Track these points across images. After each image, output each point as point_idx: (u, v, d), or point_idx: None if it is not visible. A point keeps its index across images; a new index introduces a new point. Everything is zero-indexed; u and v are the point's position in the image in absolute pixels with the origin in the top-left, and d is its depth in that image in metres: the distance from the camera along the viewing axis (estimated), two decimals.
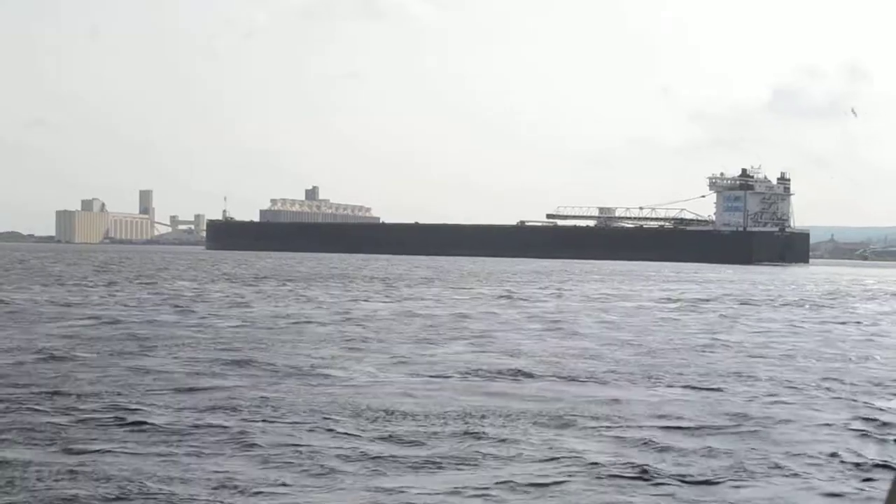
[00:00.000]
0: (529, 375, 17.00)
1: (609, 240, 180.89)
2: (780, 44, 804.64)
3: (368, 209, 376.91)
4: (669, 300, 45.74)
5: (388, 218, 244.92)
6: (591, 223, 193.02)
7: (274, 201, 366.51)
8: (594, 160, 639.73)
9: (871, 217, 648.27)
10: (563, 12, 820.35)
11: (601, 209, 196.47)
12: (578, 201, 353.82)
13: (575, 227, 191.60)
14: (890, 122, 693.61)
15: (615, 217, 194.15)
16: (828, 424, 12.75)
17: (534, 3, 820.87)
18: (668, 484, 9.53)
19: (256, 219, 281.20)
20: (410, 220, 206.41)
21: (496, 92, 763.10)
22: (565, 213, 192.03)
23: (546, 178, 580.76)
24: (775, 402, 14.58)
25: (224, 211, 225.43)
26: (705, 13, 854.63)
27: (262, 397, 14.06)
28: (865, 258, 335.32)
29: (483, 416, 12.82)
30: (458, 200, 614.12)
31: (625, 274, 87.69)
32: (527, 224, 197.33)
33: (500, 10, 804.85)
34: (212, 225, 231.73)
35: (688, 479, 9.73)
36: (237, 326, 25.40)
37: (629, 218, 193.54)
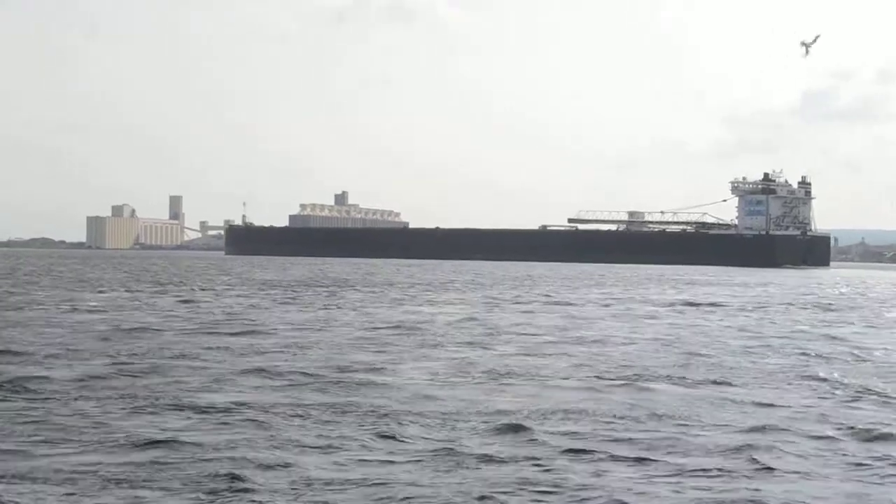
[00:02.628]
0: None
1: (630, 244, 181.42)
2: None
3: (397, 214, 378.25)
4: None
5: (416, 223, 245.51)
6: (613, 227, 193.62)
7: (303, 206, 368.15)
8: (624, 164, 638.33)
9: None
10: (594, 15, 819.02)
11: (630, 213, 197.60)
12: (607, 205, 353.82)
13: (597, 231, 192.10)
14: None
15: (642, 221, 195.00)
16: None
17: (564, 6, 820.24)
18: None
19: (286, 224, 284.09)
20: (439, 225, 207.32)
21: (525, 96, 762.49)
22: (587, 218, 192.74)
23: (575, 182, 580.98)
24: None
25: (244, 216, 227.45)
26: (737, 17, 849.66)
27: None
28: None
29: None
30: (486, 205, 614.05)
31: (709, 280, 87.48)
32: (548, 228, 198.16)
33: (529, 13, 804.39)
34: (231, 230, 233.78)
35: None
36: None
37: (651, 222, 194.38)
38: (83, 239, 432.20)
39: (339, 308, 37.81)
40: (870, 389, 17.18)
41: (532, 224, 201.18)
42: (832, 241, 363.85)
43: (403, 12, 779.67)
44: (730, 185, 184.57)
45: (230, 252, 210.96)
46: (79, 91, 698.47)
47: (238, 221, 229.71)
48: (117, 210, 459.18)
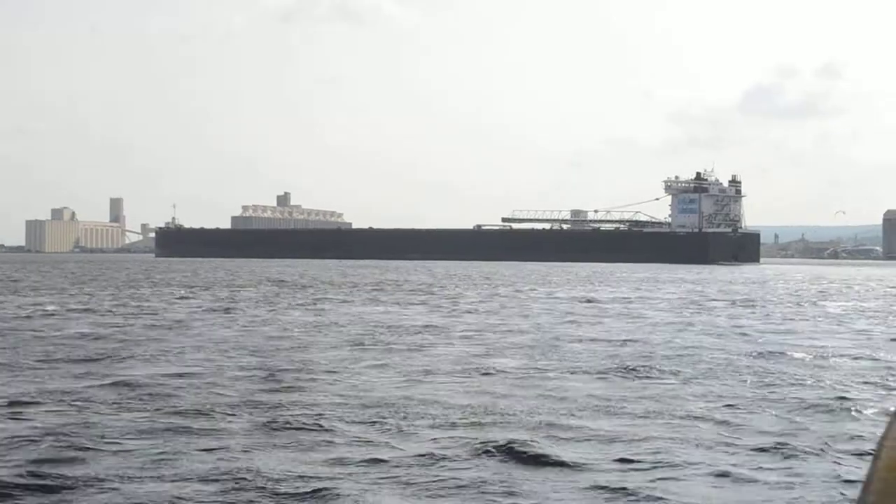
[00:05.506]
0: None
1: (564, 243, 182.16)
2: (756, 44, 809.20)
3: (340, 214, 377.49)
4: None
5: (360, 223, 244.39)
6: (548, 226, 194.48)
7: (245, 207, 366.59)
8: (572, 162, 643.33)
9: (842, 216, 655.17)
10: (543, 15, 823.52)
11: (573, 212, 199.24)
12: (553, 204, 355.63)
13: (531, 230, 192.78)
14: (862, 120, 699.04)
15: (584, 220, 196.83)
16: None
17: (513, 6, 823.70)
18: None
19: (229, 225, 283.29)
20: (380, 226, 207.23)
21: (474, 95, 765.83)
22: (521, 217, 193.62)
23: (524, 181, 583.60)
24: None
25: (174, 218, 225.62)
26: (684, 15, 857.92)
27: None
28: (837, 257, 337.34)
29: None
30: (433, 204, 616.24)
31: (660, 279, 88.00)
32: (483, 228, 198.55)
33: (477, 13, 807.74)
34: (160, 232, 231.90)
35: None
36: None
37: (588, 221, 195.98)
38: (22, 242, 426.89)
39: None
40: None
41: (490, 223, 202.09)
42: (773, 238, 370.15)
43: (349, 12, 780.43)
44: (663, 183, 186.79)
45: (160, 254, 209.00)
46: (16, 92, 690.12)
47: (182, 223, 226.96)
48: (57, 213, 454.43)
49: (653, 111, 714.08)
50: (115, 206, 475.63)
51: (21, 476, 10.03)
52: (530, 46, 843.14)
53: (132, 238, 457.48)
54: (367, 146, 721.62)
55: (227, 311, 36.27)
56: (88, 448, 11.27)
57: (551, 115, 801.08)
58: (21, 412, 13.61)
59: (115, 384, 16.25)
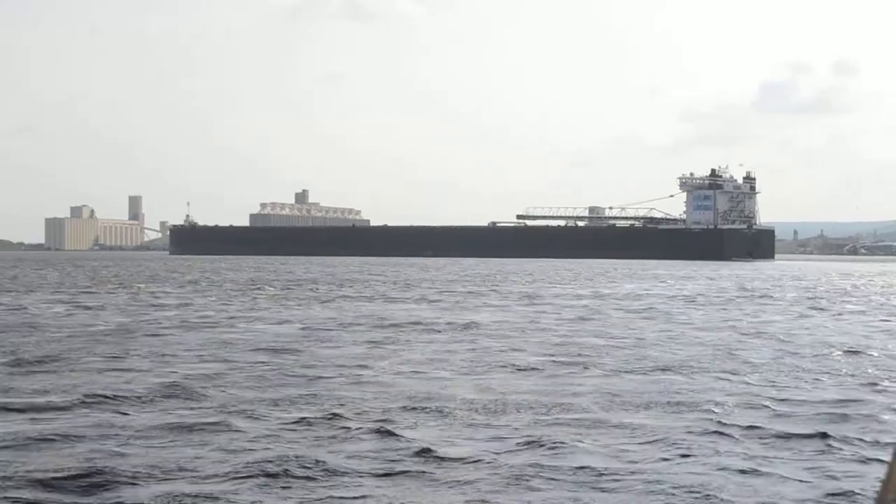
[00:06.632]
0: None
1: (578, 240, 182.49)
2: (768, 41, 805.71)
3: (358, 212, 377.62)
4: None
5: (378, 221, 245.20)
6: (562, 223, 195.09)
7: (263, 205, 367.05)
8: (583, 161, 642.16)
9: (860, 212, 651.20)
10: (552, 14, 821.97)
11: (591, 209, 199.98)
12: (565, 201, 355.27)
13: (545, 227, 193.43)
14: (877, 116, 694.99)
15: (602, 217, 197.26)
16: None
17: (521, 4, 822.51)
18: None
19: (247, 223, 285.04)
20: (398, 223, 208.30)
21: (484, 93, 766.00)
22: (535, 214, 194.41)
23: (535, 179, 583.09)
24: None
25: (188, 216, 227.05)
26: (694, 13, 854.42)
27: None
28: (856, 253, 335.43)
29: None
30: (450, 202, 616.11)
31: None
32: (498, 225, 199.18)
33: (487, 11, 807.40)
34: (175, 230, 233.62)
35: None
36: None
37: (603, 217, 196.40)
38: (42, 240, 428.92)
39: None
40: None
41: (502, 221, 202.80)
42: (792, 234, 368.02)
43: (359, 10, 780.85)
44: (678, 180, 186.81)
45: (174, 252, 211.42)
46: (34, 92, 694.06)
47: (200, 221, 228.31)
48: (76, 211, 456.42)
49: (664, 109, 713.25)
50: (134, 203, 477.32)
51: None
52: (543, 44, 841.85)
53: (151, 236, 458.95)
54: (378, 145, 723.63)
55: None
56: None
57: (562, 113, 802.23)
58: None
59: None
